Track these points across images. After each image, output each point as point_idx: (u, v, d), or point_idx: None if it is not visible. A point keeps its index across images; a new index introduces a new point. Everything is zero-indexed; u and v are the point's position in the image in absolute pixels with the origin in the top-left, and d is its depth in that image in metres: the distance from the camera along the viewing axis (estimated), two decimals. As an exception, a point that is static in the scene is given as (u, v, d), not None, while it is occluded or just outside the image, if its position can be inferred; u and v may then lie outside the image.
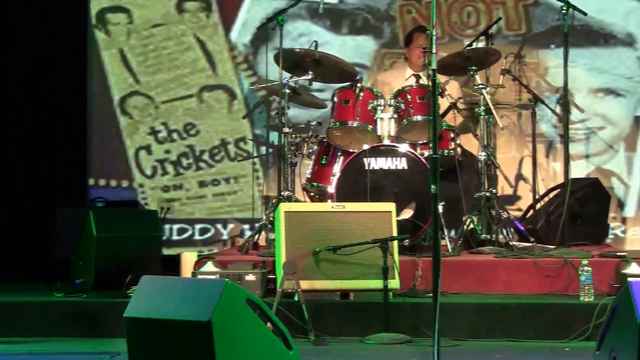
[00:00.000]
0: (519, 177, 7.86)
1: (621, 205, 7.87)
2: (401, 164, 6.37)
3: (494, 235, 6.44)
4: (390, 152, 6.39)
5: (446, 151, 6.55)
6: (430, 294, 4.52)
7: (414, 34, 7.31)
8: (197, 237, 8.10)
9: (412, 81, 7.03)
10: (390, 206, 5.74)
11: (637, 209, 7.87)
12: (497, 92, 7.30)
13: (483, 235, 6.41)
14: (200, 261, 5.84)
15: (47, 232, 7.22)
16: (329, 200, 6.47)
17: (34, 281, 6.35)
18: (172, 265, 6.11)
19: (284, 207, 5.67)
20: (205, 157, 8.11)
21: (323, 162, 6.73)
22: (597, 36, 7.93)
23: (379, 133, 6.53)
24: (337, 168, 6.62)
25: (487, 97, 6.55)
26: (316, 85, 7.18)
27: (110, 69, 8.14)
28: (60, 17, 8.01)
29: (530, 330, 5.32)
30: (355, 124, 6.54)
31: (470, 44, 6.98)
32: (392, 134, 6.52)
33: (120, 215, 6.33)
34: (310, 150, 6.77)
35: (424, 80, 6.99)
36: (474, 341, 5.27)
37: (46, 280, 6.06)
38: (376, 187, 6.31)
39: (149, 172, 8.12)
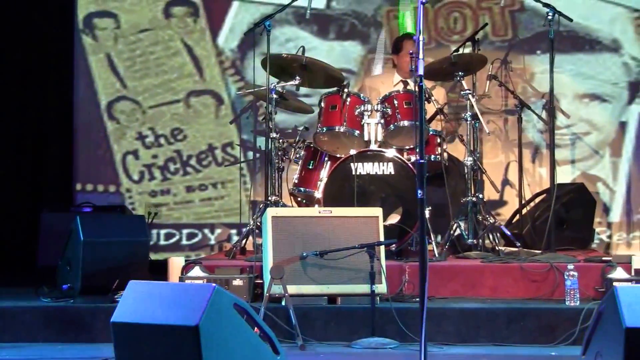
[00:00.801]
0: (505, 182, 7.88)
1: (606, 210, 7.90)
2: (388, 169, 6.38)
3: (480, 240, 6.47)
4: (377, 157, 6.41)
5: (433, 156, 6.57)
6: (417, 299, 4.53)
7: (404, 41, 7.30)
8: (184, 242, 8.09)
9: (401, 87, 7.05)
10: (377, 211, 5.75)
11: (622, 214, 7.90)
12: (483, 98, 7.34)
13: (470, 240, 6.43)
14: (188, 266, 5.83)
15: (33, 237, 7.21)
16: (316, 205, 6.48)
17: (19, 286, 6.33)
18: (160, 270, 6.11)
19: (271, 212, 5.67)
20: (193, 162, 8.11)
21: (310, 167, 6.74)
22: (582, 42, 7.97)
23: (366, 138, 6.55)
24: (324, 173, 6.63)
25: (474, 102, 6.59)
26: (303, 90, 7.20)
27: (98, 73, 8.13)
28: (47, 22, 8.00)
29: (517, 335, 5.33)
30: (342, 129, 6.56)
31: (457, 50, 7.01)
32: (379, 139, 6.54)
33: (107, 220, 6.32)
34: (298, 156, 6.78)
35: (412, 86, 7.00)
36: (460, 346, 5.28)
37: (32, 285, 6.04)
38: (363, 192, 6.33)
39: (136, 177, 8.11)
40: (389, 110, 6.54)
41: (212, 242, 8.07)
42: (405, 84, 7.16)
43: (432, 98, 6.64)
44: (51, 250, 6.64)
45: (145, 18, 8.15)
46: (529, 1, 7.19)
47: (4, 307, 5.62)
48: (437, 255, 6.21)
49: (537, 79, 7.92)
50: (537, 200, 7.27)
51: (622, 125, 7.97)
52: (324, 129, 6.60)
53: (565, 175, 7.81)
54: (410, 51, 6.85)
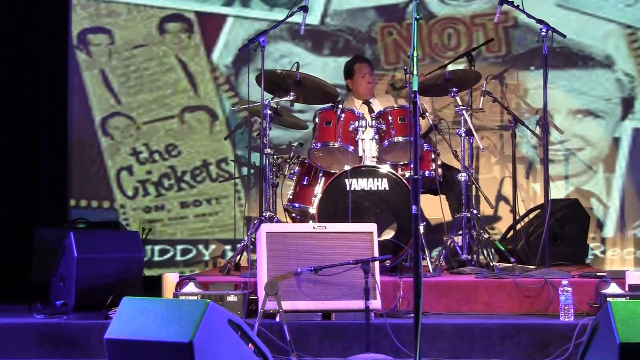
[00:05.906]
0: (500, 197, 7.90)
1: (600, 225, 7.92)
2: (382, 184, 6.39)
3: (474, 256, 6.47)
4: (372, 173, 6.41)
5: (427, 172, 6.58)
6: (412, 315, 4.53)
7: (355, 65, 7.27)
8: (178, 258, 8.08)
9: (365, 109, 7.07)
10: (372, 227, 5.75)
11: (616, 229, 7.91)
12: (477, 113, 7.35)
13: (464, 256, 6.44)
14: (182, 282, 5.83)
15: (27, 253, 7.19)
16: (311, 221, 6.49)
17: (12, 302, 6.31)
18: (154, 287, 6.10)
19: (266, 227, 5.67)
20: (187, 177, 8.11)
21: (304, 182, 6.75)
22: (575, 58, 8.00)
23: (360, 154, 6.56)
24: (318, 189, 6.64)
25: (468, 118, 6.60)
26: (297, 106, 7.20)
27: (92, 89, 8.14)
28: (41, 38, 8.00)
29: (511, 350, 5.33)
30: (336, 145, 6.57)
31: (446, 66, 7.03)
32: (374, 154, 6.56)
33: (101, 236, 6.30)
34: (292, 171, 6.79)
35: (375, 106, 7.06)
36: (455, 361, 5.28)
37: (25, 302, 6.02)
38: (357, 207, 6.33)
39: (130, 192, 8.11)
40: (383, 126, 6.56)
41: (207, 258, 8.06)
42: (368, 104, 7.17)
43: (427, 114, 6.66)
44: (44, 265, 6.62)
45: (140, 34, 8.16)
46: (523, 17, 7.21)
47: (-4, 324, 5.61)
48: (431, 270, 6.21)
49: (531, 94, 7.94)
50: (531, 215, 7.28)
51: (616, 141, 7.99)
52: (319, 144, 6.61)
53: (559, 190, 7.83)
54: (405, 67, 6.90)
